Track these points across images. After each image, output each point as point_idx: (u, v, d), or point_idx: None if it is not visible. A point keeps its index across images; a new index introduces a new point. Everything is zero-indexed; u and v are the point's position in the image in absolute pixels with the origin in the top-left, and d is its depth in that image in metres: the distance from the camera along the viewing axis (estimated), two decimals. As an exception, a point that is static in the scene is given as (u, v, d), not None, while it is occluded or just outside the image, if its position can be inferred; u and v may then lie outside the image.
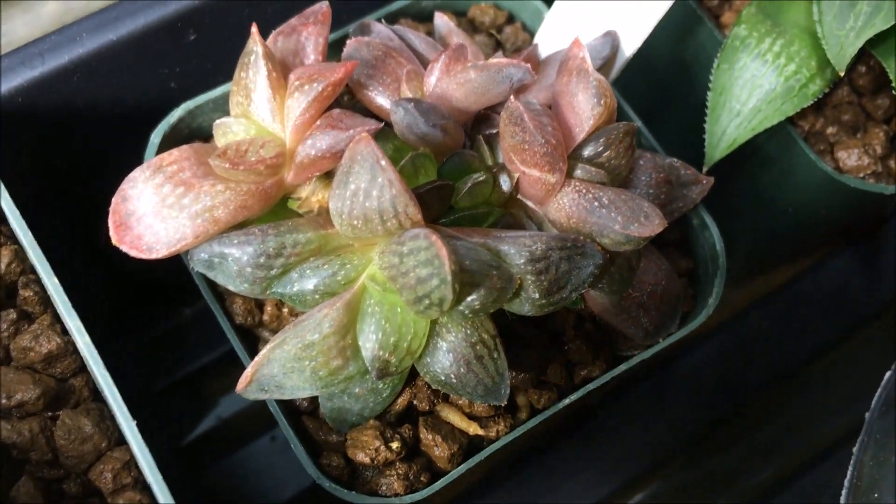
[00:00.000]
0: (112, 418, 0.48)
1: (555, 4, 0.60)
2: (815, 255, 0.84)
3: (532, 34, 0.64)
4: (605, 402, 0.81)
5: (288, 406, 0.55)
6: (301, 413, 0.55)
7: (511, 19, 0.65)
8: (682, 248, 0.62)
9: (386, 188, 0.44)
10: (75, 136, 0.58)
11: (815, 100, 0.58)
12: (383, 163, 0.44)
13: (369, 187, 0.45)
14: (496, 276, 0.47)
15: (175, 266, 0.55)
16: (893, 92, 0.57)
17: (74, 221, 0.61)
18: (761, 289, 0.86)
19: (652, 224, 0.49)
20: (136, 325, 0.78)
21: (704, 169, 0.60)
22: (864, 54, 0.61)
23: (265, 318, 0.56)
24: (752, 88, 0.58)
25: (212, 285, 0.56)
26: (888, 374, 0.62)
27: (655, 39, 0.57)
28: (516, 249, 0.48)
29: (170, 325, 0.81)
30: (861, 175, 0.61)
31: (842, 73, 0.53)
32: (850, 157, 0.61)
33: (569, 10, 0.59)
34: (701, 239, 0.59)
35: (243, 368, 0.47)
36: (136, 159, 0.56)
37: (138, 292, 0.72)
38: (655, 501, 0.78)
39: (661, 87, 0.69)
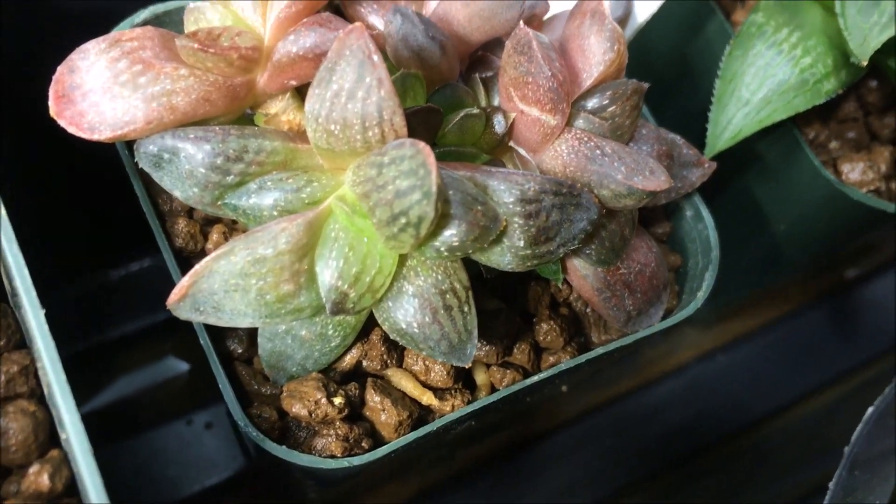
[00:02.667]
0: (14, 317, 0.41)
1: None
2: (790, 304, 0.80)
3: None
4: (562, 426, 0.75)
5: (220, 348, 0.48)
6: (234, 359, 0.49)
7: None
8: (670, 243, 0.57)
9: (374, 89, 0.39)
10: (34, 32, 0.52)
11: (828, 98, 0.54)
12: (375, 58, 0.39)
13: (354, 87, 0.39)
14: (480, 211, 0.41)
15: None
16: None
17: (25, 125, 0.54)
18: (731, 333, 0.82)
19: (658, 179, 0.44)
20: (60, 278, 0.71)
21: (703, 156, 0.56)
22: (875, 68, 0.59)
23: (209, 246, 0.49)
24: (765, 77, 0.54)
25: (153, 201, 0.50)
26: (870, 409, 0.58)
27: (663, 30, 0.54)
28: (506, 186, 0.43)
29: (90, 286, 0.74)
30: (864, 190, 0.57)
31: (864, 64, 0.50)
32: (854, 171, 0.57)
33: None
34: (693, 232, 0.55)
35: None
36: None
37: (70, 245, 0.65)
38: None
39: (665, 79, 0.66)
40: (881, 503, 0.57)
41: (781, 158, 0.59)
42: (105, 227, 0.71)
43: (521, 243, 0.43)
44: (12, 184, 0.44)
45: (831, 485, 0.55)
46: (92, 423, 0.68)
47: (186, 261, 0.50)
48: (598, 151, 0.45)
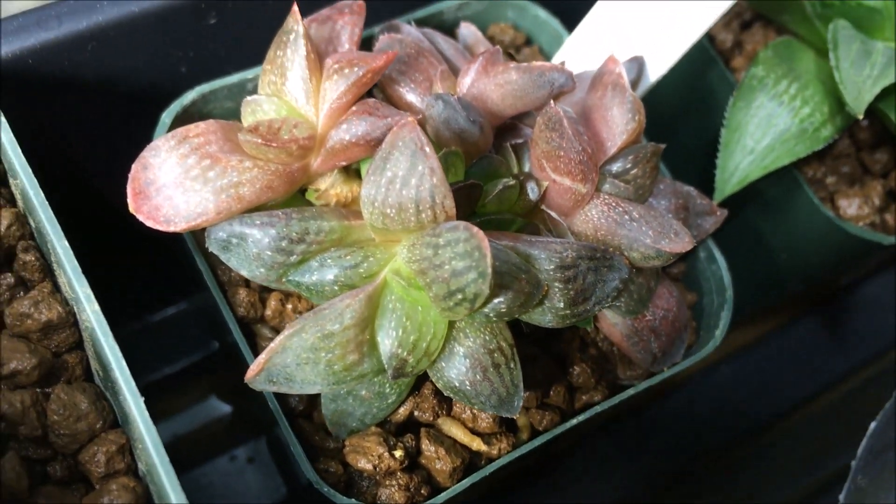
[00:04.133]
0: (106, 399, 0.45)
1: (577, 29, 0.60)
2: (789, 314, 0.85)
3: (549, 57, 0.64)
4: (574, 444, 0.80)
5: (283, 406, 0.52)
6: (296, 415, 0.53)
7: (529, 41, 0.65)
8: (685, 281, 0.61)
9: (426, 177, 0.43)
10: (82, 106, 0.55)
11: (826, 144, 0.59)
12: (427, 149, 0.43)
13: (408, 175, 0.43)
14: (525, 279, 0.45)
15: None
16: (900, 143, 0.59)
17: (75, 194, 0.57)
18: (732, 345, 0.86)
19: (682, 241, 0.49)
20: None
21: (714, 203, 0.60)
22: (866, 111, 0.63)
23: (267, 313, 0.53)
24: (768, 127, 0.59)
25: (214, 275, 0.53)
26: (873, 424, 0.63)
27: (669, 76, 0.58)
28: (547, 255, 0.47)
29: (132, 330, 0.77)
30: (860, 224, 0.62)
31: (860, 117, 0.55)
32: (851, 206, 0.62)
33: (592, 34, 0.60)
34: (707, 272, 0.59)
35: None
36: (142, 137, 0.53)
37: (116, 284, 0.68)
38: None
39: (666, 124, 0.70)
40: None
41: (782, 196, 0.63)
42: (142, 276, 0.74)
43: (561, 304, 0.47)
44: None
45: (841, 497, 0.60)
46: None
47: (247, 327, 0.53)
48: (626, 217, 0.49)
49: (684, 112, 0.68)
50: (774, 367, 0.86)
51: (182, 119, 0.55)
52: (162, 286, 0.75)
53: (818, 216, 0.61)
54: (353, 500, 0.48)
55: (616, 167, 0.51)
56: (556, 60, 0.63)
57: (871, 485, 0.61)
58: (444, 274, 0.43)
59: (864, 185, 0.64)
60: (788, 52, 0.62)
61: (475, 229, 0.42)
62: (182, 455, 0.74)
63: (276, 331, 0.54)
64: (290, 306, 0.53)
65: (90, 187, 0.53)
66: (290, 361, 0.45)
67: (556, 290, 0.47)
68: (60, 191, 0.54)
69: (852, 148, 0.65)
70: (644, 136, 0.61)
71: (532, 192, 0.51)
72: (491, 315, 0.46)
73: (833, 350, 0.86)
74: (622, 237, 0.49)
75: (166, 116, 0.54)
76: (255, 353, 0.53)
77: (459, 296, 0.43)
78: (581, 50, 0.61)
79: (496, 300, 0.45)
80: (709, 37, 0.67)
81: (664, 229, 0.49)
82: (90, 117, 0.57)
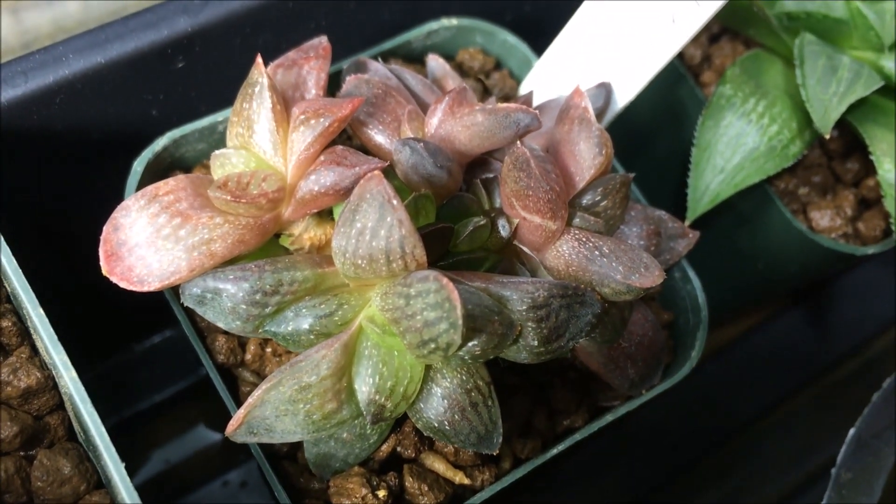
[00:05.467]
0: (90, 460, 0.45)
1: (546, 53, 0.61)
2: (769, 309, 0.86)
3: (518, 81, 0.65)
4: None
5: (266, 450, 0.53)
6: (280, 457, 0.53)
7: (498, 65, 0.65)
8: (662, 300, 0.62)
9: (395, 228, 0.43)
10: (53, 160, 0.56)
11: (795, 160, 0.59)
12: (394, 202, 0.43)
13: (377, 226, 0.44)
14: (497, 321, 0.46)
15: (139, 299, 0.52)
16: (870, 156, 0.59)
17: (51, 250, 0.58)
18: (715, 344, 0.87)
19: (652, 275, 0.49)
20: (89, 357, 0.75)
21: (687, 223, 0.61)
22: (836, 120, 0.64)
23: (247, 357, 0.54)
24: (737, 146, 0.59)
25: (192, 321, 0.54)
26: (852, 430, 0.64)
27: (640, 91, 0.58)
28: (518, 295, 0.47)
29: (118, 361, 0.78)
30: (833, 235, 0.62)
31: (827, 136, 0.55)
32: (824, 218, 0.62)
33: (560, 59, 0.60)
34: (682, 292, 0.60)
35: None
36: (114, 186, 0.54)
37: (95, 327, 0.69)
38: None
39: (638, 140, 0.70)
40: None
41: (755, 209, 0.64)
42: (129, 309, 0.75)
43: (535, 343, 0.48)
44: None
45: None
46: (142, 495, 0.73)
47: (228, 371, 0.54)
48: (596, 252, 0.49)
49: (657, 128, 0.69)
50: (758, 363, 0.87)
51: (155, 164, 0.55)
52: (150, 316, 0.76)
53: (791, 229, 0.62)
54: (339, 542, 0.49)
55: (586, 200, 0.52)
56: (526, 84, 0.63)
57: (854, 478, 0.62)
58: (417, 324, 0.44)
59: (836, 195, 0.64)
60: (756, 68, 0.62)
61: (445, 280, 0.43)
62: (175, 481, 0.75)
63: (258, 374, 0.54)
64: (269, 350, 0.54)
65: (66, 243, 0.53)
66: (269, 414, 0.46)
67: (530, 329, 0.47)
68: (35, 249, 0.54)
69: (823, 158, 0.65)
70: (615, 159, 0.61)
71: (503, 229, 0.51)
72: (466, 358, 0.46)
73: (816, 343, 0.87)
74: (593, 273, 0.49)
75: (138, 165, 0.54)
76: (237, 397, 0.54)
77: (433, 345, 0.43)
78: (551, 73, 0.61)
79: (470, 343, 0.46)
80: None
81: (634, 264, 0.49)
82: (62, 170, 0.57)
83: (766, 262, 0.67)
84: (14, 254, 0.46)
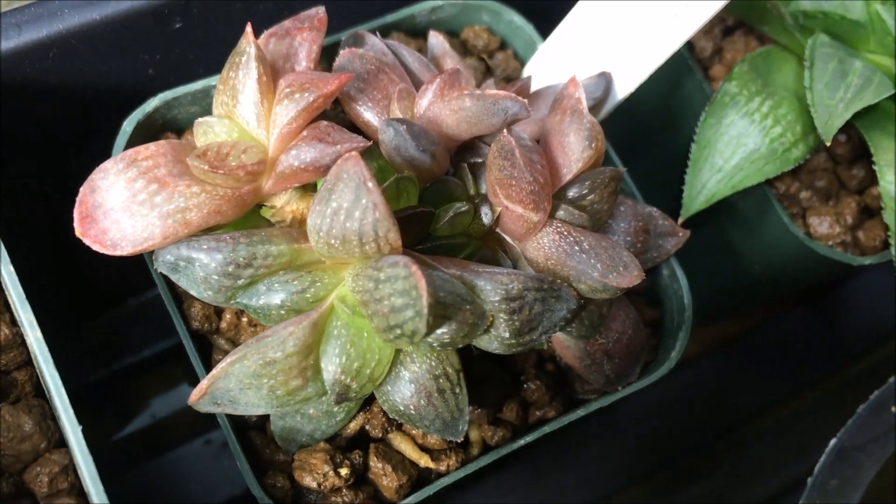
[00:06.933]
0: (53, 418, 0.46)
1: (550, 37, 0.60)
2: (771, 310, 0.85)
3: (523, 63, 0.64)
4: (551, 432, 0.81)
5: (236, 419, 0.53)
6: (249, 427, 0.54)
7: (503, 45, 0.64)
8: (649, 297, 0.61)
9: (369, 210, 0.43)
10: (43, 115, 0.56)
11: (796, 165, 0.58)
12: (370, 184, 0.43)
13: (352, 207, 0.43)
14: (469, 311, 0.46)
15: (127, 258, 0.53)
16: (873, 166, 0.58)
17: (33, 207, 0.58)
18: (715, 339, 0.86)
19: (630, 275, 0.48)
20: (79, 312, 0.75)
21: (680, 220, 0.60)
22: (845, 124, 0.62)
23: (223, 325, 0.54)
24: (737, 146, 0.58)
25: (170, 285, 0.54)
26: (833, 440, 0.63)
27: (647, 81, 0.57)
28: (492, 286, 0.47)
29: (112, 315, 0.78)
30: (830, 243, 0.61)
31: (828, 143, 0.54)
32: (822, 225, 0.61)
33: (564, 44, 0.59)
34: (669, 290, 0.59)
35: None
36: (104, 146, 0.54)
37: (88, 282, 0.69)
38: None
39: (643, 131, 0.69)
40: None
41: (754, 211, 0.63)
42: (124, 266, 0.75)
43: (507, 334, 0.47)
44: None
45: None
46: (127, 447, 0.73)
47: (203, 338, 0.54)
48: (576, 247, 0.49)
49: (661, 120, 0.68)
50: (756, 364, 0.86)
51: (145, 125, 0.55)
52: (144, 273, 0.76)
53: (788, 234, 0.60)
54: (297, 517, 0.49)
55: (572, 193, 0.51)
56: (529, 67, 0.62)
57: (831, 489, 0.61)
58: (384, 308, 0.43)
59: (838, 202, 0.63)
60: (766, 66, 0.61)
61: (414, 268, 0.42)
62: (160, 436, 0.76)
63: (233, 342, 0.54)
64: (245, 319, 0.54)
65: (58, 199, 0.53)
66: (232, 386, 0.46)
67: (502, 320, 0.47)
68: (22, 206, 0.54)
69: (829, 162, 0.63)
70: (613, 152, 0.60)
71: (485, 216, 0.51)
72: (435, 345, 0.46)
73: (815, 348, 0.86)
74: (571, 268, 0.49)
75: (127, 125, 0.54)
76: (209, 364, 0.54)
77: (398, 331, 0.43)
78: (553, 58, 0.60)
79: (439, 330, 0.45)
80: (689, 44, 0.65)
81: (613, 262, 0.49)
82: (53, 125, 0.57)
83: (763, 266, 0.66)
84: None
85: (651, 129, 0.69)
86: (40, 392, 0.47)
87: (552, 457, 0.81)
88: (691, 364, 0.86)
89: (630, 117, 0.68)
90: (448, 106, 0.50)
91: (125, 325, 0.78)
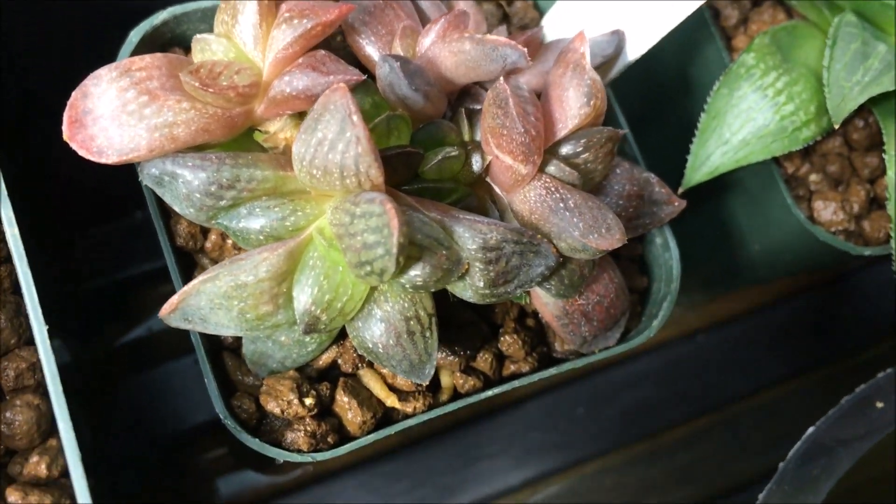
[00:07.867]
0: (27, 315, 0.46)
1: (570, -11, 0.58)
2: (776, 295, 0.84)
3: (541, 14, 0.62)
4: (539, 391, 0.81)
5: (211, 338, 0.53)
6: (224, 348, 0.54)
7: (524, -7, 0.63)
8: (641, 264, 0.61)
9: (352, 144, 0.43)
10: (52, 26, 0.56)
11: (805, 146, 0.57)
12: (355, 118, 0.42)
13: (336, 139, 0.43)
14: (445, 255, 0.46)
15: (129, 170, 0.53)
16: (884, 155, 0.56)
17: (30, 109, 0.58)
18: (716, 316, 0.86)
19: (612, 237, 0.48)
20: (83, 221, 0.76)
21: (680, 190, 0.59)
22: (863, 109, 0.60)
23: (208, 245, 0.54)
24: (746, 120, 0.57)
25: (159, 199, 0.54)
26: (811, 429, 0.62)
27: (662, 47, 0.56)
28: (471, 234, 0.47)
29: (121, 225, 0.79)
30: (833, 230, 0.60)
31: (836, 126, 0.52)
32: (827, 210, 0.60)
33: (582, -1, 0.58)
34: (661, 259, 0.58)
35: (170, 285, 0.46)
36: (109, 56, 0.54)
37: (93, 192, 0.70)
38: (563, 500, 0.79)
39: (660, 98, 0.68)
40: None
41: (758, 188, 0.61)
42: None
43: (481, 284, 0.47)
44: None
45: (761, 496, 0.60)
46: (122, 356, 0.74)
47: (189, 256, 0.55)
48: (561, 204, 0.48)
49: (678, 88, 0.66)
50: (752, 344, 0.85)
51: (153, 38, 0.55)
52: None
53: (790, 216, 0.59)
54: (257, 440, 0.50)
55: (566, 149, 0.50)
56: (547, 18, 0.61)
57: (802, 477, 0.61)
58: (357, 244, 0.43)
59: (848, 188, 0.61)
60: (789, 41, 0.59)
61: (389, 205, 0.42)
62: (153, 349, 0.77)
63: (216, 262, 0.55)
64: (230, 242, 0.54)
65: (50, 104, 0.53)
66: (203, 304, 0.46)
67: (477, 269, 0.47)
68: (23, 114, 0.54)
69: (844, 147, 0.62)
70: (620, 114, 0.59)
71: (476, 163, 0.50)
72: (407, 286, 0.46)
73: (814, 336, 0.85)
74: (553, 224, 0.48)
75: (134, 35, 0.54)
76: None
77: (368, 267, 0.43)
78: (570, 12, 0.59)
79: (412, 272, 0.45)
80: (714, 11, 0.63)
81: (597, 223, 0.48)
82: (61, 37, 0.57)
83: (762, 245, 0.65)
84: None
85: (667, 97, 0.67)
86: (19, 289, 0.48)
87: (531, 417, 0.81)
88: (688, 338, 0.85)
89: (648, 83, 0.67)
90: (448, 48, 0.49)
91: (130, 238, 0.79)
